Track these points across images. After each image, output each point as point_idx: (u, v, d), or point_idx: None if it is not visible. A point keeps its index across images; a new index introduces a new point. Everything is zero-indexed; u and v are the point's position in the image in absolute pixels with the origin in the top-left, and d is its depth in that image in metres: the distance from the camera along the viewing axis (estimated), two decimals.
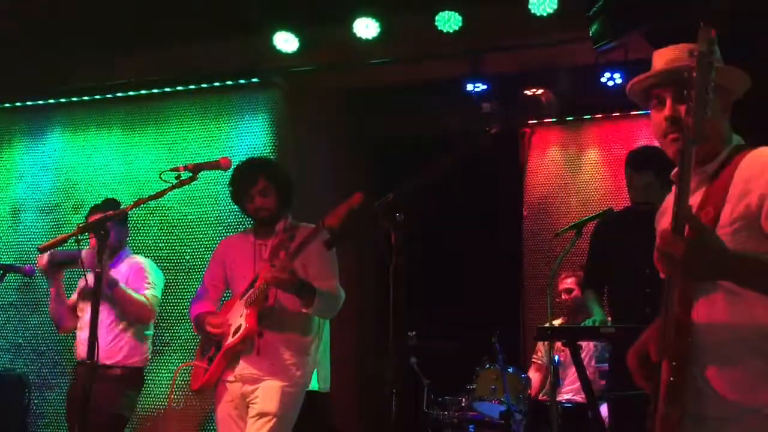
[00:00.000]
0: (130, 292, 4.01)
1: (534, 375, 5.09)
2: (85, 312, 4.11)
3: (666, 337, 1.84)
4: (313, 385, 3.53)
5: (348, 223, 2.46)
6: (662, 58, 2.05)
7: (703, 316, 1.86)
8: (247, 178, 3.62)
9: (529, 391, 4.69)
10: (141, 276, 4.16)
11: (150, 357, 4.24)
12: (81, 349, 4.02)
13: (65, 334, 4.35)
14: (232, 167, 3.52)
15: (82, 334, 4.08)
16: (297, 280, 3.26)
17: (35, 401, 5.54)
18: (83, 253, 3.68)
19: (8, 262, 4.82)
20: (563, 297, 4.92)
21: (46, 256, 3.99)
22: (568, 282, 4.95)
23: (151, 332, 4.23)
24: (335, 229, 2.59)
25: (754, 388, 1.83)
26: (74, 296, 4.28)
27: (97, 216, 3.82)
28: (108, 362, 3.97)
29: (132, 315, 4.06)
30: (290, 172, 3.79)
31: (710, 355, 1.86)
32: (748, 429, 1.84)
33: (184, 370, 3.67)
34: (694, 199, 1.94)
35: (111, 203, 4.09)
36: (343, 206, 2.48)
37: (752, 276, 1.75)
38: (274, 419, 3.33)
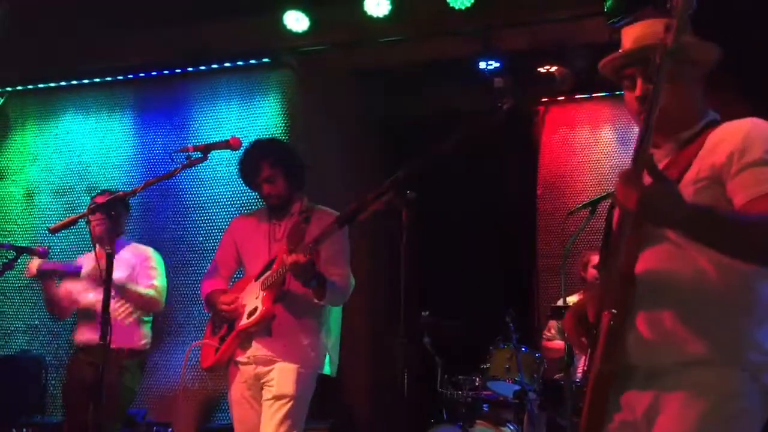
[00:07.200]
0: (137, 289, 4.08)
1: None
2: (86, 298, 4.14)
3: (610, 288, 1.84)
4: (325, 370, 3.52)
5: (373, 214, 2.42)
6: (630, 36, 2.00)
7: (646, 266, 1.84)
8: (250, 168, 3.54)
9: (542, 370, 4.67)
10: (147, 266, 4.21)
11: (150, 341, 4.29)
12: (87, 335, 4.04)
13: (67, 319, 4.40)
14: (243, 147, 3.45)
15: (86, 320, 4.10)
16: (314, 270, 3.22)
17: (52, 382, 5.59)
18: (81, 271, 3.81)
19: (23, 244, 4.82)
20: (591, 273, 4.85)
21: (35, 266, 4.00)
22: (596, 259, 4.89)
23: (150, 318, 4.29)
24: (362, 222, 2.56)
25: (685, 340, 1.82)
26: (67, 284, 4.26)
27: (105, 197, 3.82)
28: (114, 346, 3.97)
29: (140, 308, 4.16)
30: (298, 150, 3.72)
31: (646, 305, 1.85)
32: (678, 380, 1.83)
33: (196, 349, 3.67)
34: (662, 164, 1.93)
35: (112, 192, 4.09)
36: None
37: (702, 225, 1.73)
38: (292, 401, 3.33)
